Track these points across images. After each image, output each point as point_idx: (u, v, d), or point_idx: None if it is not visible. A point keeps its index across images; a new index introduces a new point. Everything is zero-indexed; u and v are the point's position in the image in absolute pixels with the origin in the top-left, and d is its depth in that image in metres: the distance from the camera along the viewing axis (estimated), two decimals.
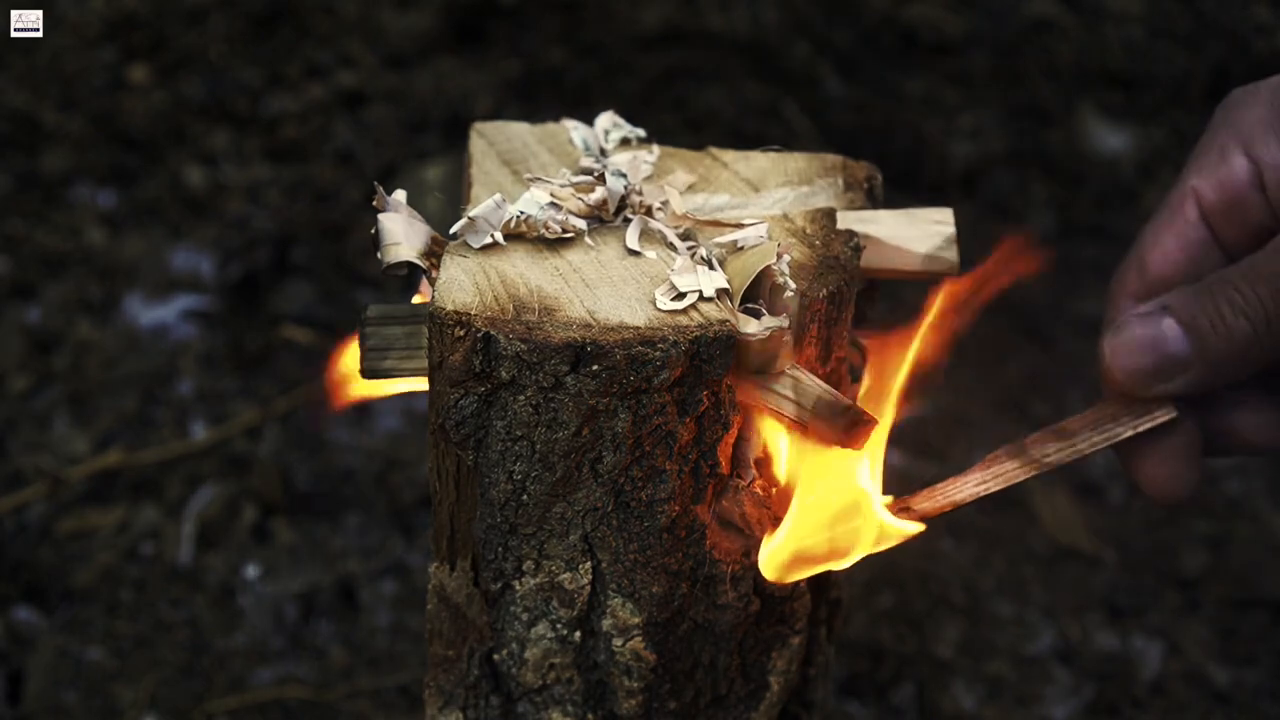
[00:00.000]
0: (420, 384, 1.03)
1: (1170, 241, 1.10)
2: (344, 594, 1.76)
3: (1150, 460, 1.08)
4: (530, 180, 1.06)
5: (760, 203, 1.09)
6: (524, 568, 1.01)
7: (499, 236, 1.01)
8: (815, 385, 0.96)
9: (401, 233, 1.03)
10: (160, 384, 2.04)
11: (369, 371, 1.02)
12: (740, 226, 1.03)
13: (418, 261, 1.02)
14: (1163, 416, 1.06)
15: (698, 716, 1.08)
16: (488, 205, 1.01)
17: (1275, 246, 1.02)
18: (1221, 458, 1.12)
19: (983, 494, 1.07)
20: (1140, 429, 1.06)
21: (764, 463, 1.02)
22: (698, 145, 1.16)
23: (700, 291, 0.96)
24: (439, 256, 1.01)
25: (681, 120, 2.56)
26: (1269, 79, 1.07)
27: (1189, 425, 1.08)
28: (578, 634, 1.03)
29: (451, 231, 1.01)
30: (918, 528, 1.04)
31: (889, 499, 1.05)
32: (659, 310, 0.95)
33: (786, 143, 1.18)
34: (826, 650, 1.16)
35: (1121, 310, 1.10)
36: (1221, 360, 1.02)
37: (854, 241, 1.04)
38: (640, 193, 1.05)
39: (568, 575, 1.01)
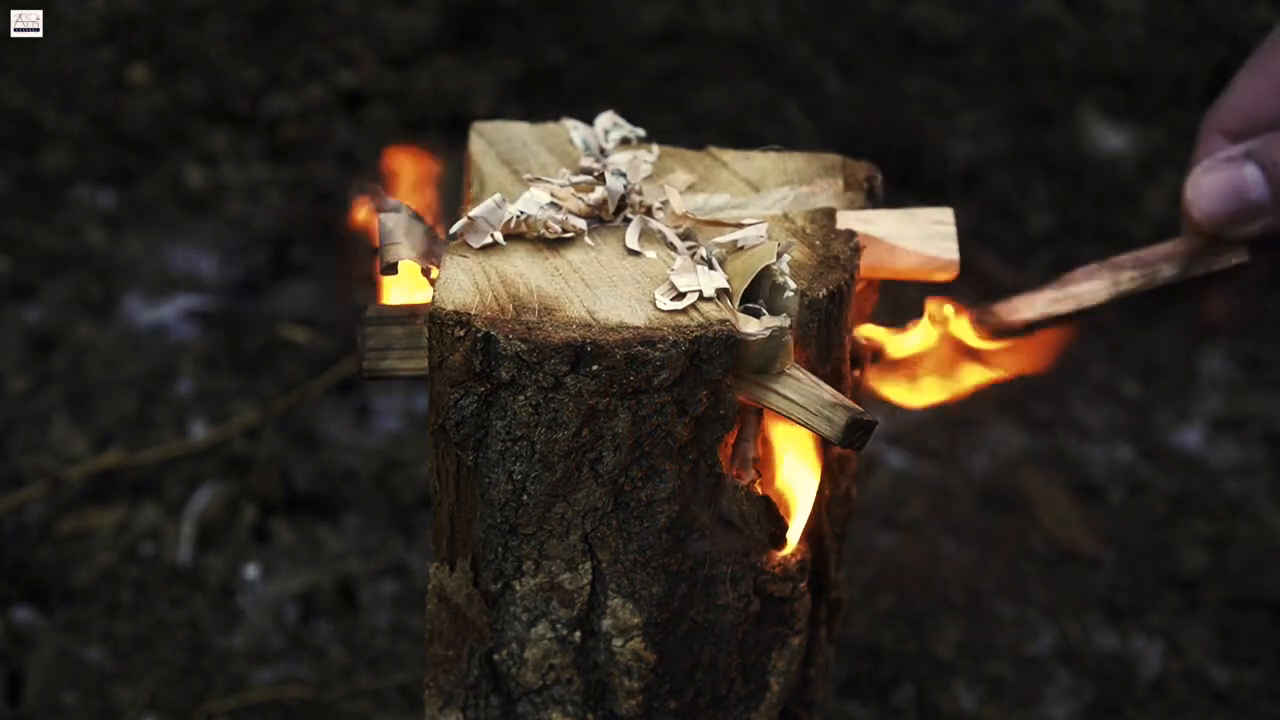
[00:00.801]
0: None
1: (1263, 81, 1.09)
2: (344, 594, 1.76)
3: (1213, 292, 1.11)
4: (530, 180, 1.06)
5: (760, 203, 1.09)
6: (524, 568, 1.01)
7: (499, 236, 1.01)
8: (815, 385, 0.96)
9: (402, 233, 1.03)
10: (160, 384, 2.04)
11: (369, 372, 1.03)
12: (740, 226, 1.03)
13: (417, 261, 1.02)
14: (1236, 259, 1.07)
15: (698, 717, 1.08)
16: (488, 205, 1.01)
17: None
18: None
19: (1056, 313, 1.07)
20: (1213, 269, 1.07)
21: (763, 463, 1.02)
22: (698, 145, 1.16)
23: (700, 291, 0.96)
24: (439, 256, 1.01)
25: (681, 120, 2.56)
26: None
27: (1258, 266, 1.09)
28: (578, 634, 1.03)
29: (451, 231, 1.01)
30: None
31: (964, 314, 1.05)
32: (659, 310, 0.95)
33: (786, 143, 1.18)
34: (826, 650, 1.16)
35: (1208, 150, 1.10)
36: None
37: (854, 241, 1.04)
38: (640, 193, 1.05)
39: (568, 575, 1.01)
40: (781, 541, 1.02)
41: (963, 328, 1.05)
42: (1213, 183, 1.05)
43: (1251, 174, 1.04)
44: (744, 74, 2.68)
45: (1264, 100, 1.09)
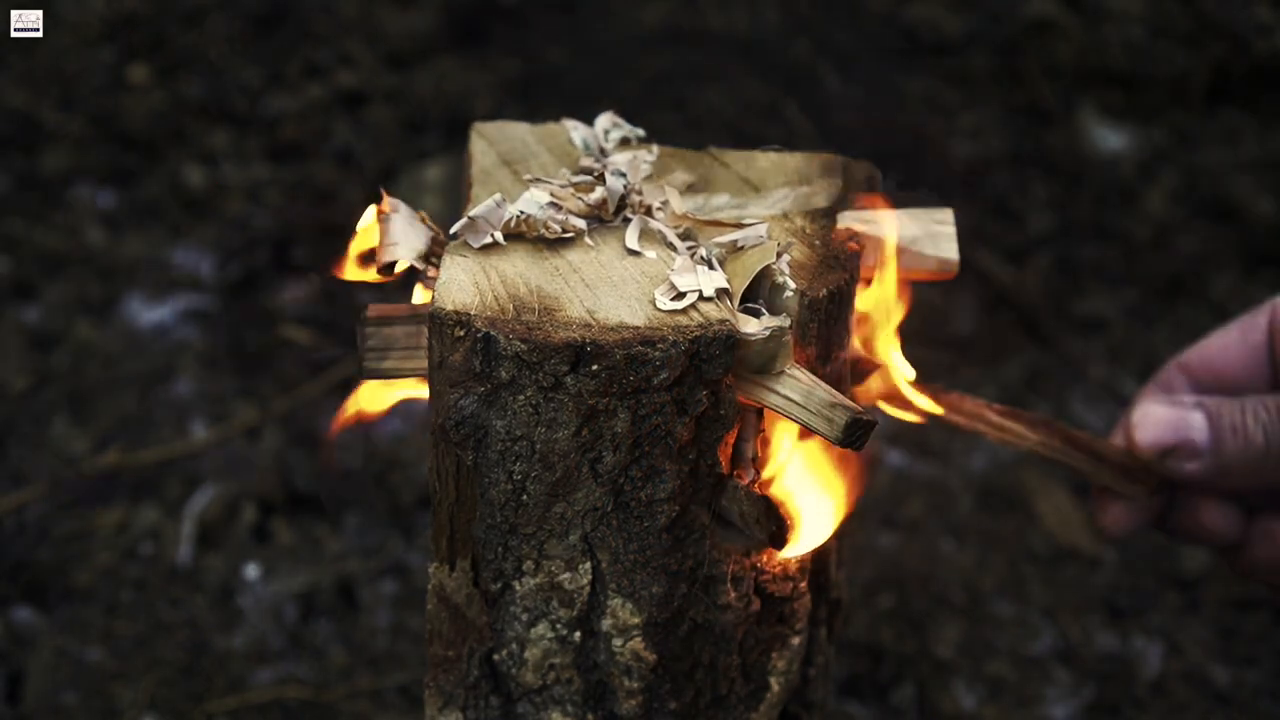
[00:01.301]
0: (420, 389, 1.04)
1: (1234, 340, 1.23)
2: (344, 594, 1.76)
3: (1116, 505, 1.23)
4: (530, 180, 1.06)
5: (760, 203, 1.09)
6: (524, 568, 1.01)
7: (499, 236, 1.01)
8: (815, 385, 0.96)
9: (400, 233, 1.03)
10: (160, 384, 2.04)
11: (369, 372, 1.03)
12: (740, 226, 1.03)
13: (414, 263, 1.02)
14: (1139, 495, 1.20)
15: (698, 717, 1.08)
16: (488, 205, 1.01)
17: None
18: (1170, 536, 1.27)
19: (980, 431, 1.17)
20: (1118, 488, 1.21)
21: (762, 462, 1.02)
22: (698, 145, 1.16)
23: (700, 291, 0.96)
24: (439, 257, 1.01)
25: (681, 120, 2.56)
26: None
27: (1158, 499, 1.22)
28: (578, 634, 1.03)
29: (451, 231, 1.02)
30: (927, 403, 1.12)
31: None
32: (659, 310, 0.95)
33: (786, 143, 1.18)
34: (826, 650, 1.16)
35: (1165, 383, 1.24)
36: (1232, 461, 1.15)
37: (854, 241, 1.04)
38: (640, 193, 1.05)
39: (568, 575, 1.01)
40: (782, 542, 1.02)
41: (910, 392, 1.13)
42: (1162, 415, 1.17)
43: (1197, 420, 1.16)
44: (744, 74, 2.68)
45: (1230, 358, 1.22)
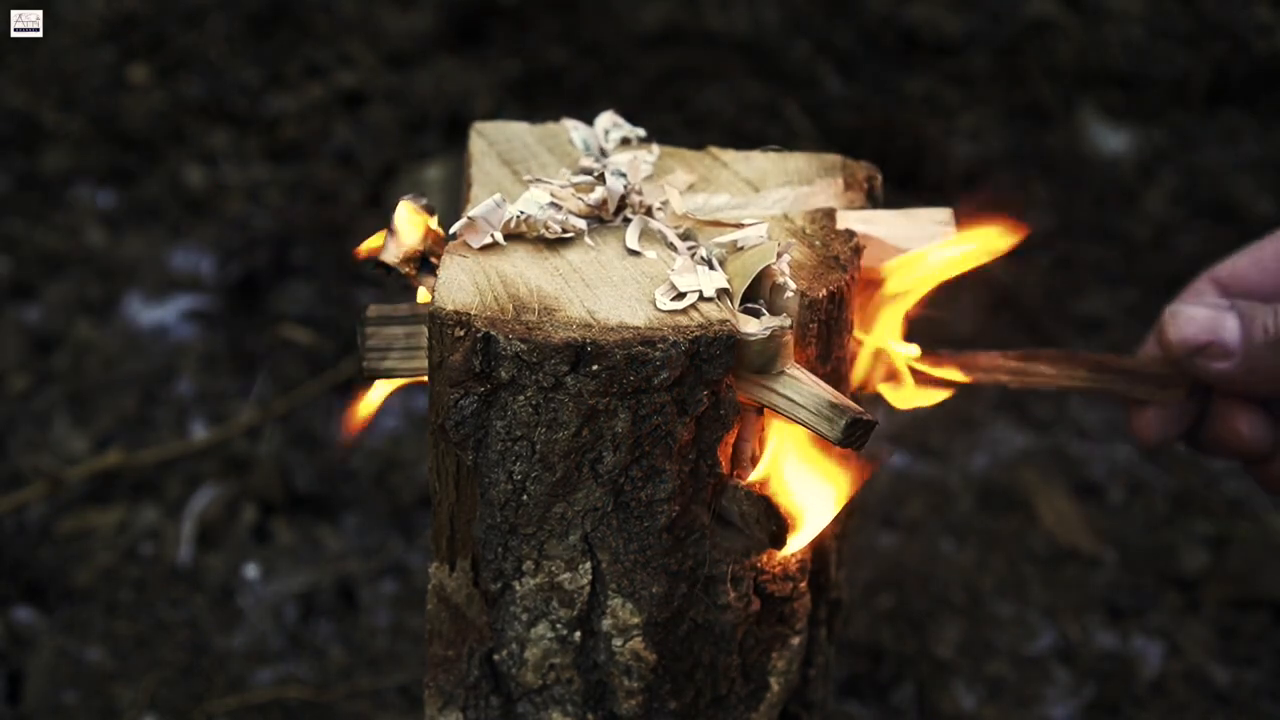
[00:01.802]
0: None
1: (1268, 254, 1.23)
2: (344, 594, 1.76)
3: (1148, 411, 1.23)
4: (530, 180, 1.06)
5: (760, 203, 1.09)
6: (524, 568, 1.01)
7: (499, 236, 1.01)
8: (815, 385, 0.96)
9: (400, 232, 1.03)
10: (160, 384, 2.04)
11: (369, 372, 1.03)
12: (740, 226, 1.03)
13: (396, 266, 1.02)
14: (1174, 399, 1.20)
15: (698, 717, 1.08)
16: (488, 205, 1.01)
17: None
18: (1200, 450, 1.27)
19: (1002, 382, 1.17)
20: (1153, 399, 1.20)
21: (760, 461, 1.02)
22: (698, 145, 1.16)
23: (700, 291, 0.96)
24: (438, 256, 1.01)
25: (681, 120, 2.56)
26: None
27: (1191, 405, 1.22)
28: (578, 634, 1.03)
29: (451, 231, 1.01)
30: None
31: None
32: (659, 310, 0.95)
33: (786, 143, 1.18)
34: (826, 650, 1.16)
35: (1196, 293, 1.24)
36: (1259, 363, 1.15)
37: (854, 241, 1.04)
38: (640, 193, 1.05)
39: (568, 575, 1.01)
40: (781, 541, 1.02)
41: (928, 367, 1.14)
42: (1195, 315, 1.17)
43: (1231, 321, 1.16)
44: (744, 74, 2.68)
45: (1262, 271, 1.22)
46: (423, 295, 1.05)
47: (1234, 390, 1.19)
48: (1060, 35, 2.76)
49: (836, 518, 1.04)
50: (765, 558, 1.04)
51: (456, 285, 0.96)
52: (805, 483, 1.02)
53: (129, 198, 2.38)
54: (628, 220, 1.04)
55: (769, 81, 2.67)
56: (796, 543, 1.02)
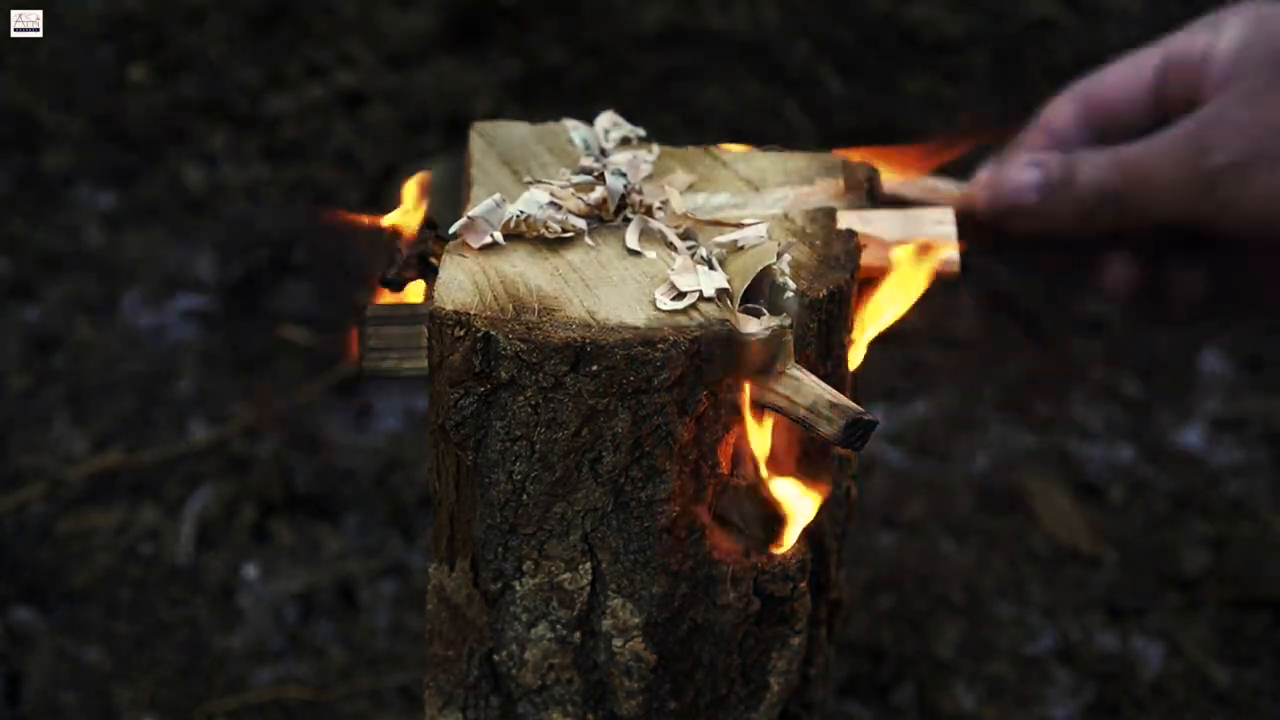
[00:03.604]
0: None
1: (1128, 73, 1.27)
2: (344, 594, 1.76)
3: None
4: (530, 180, 1.06)
5: (760, 203, 1.09)
6: (524, 568, 1.01)
7: (499, 236, 1.01)
8: (815, 385, 0.96)
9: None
10: (160, 384, 2.04)
11: (369, 372, 1.03)
12: (740, 226, 1.03)
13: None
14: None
15: (698, 717, 1.08)
16: (488, 205, 1.01)
17: (1147, 140, 1.18)
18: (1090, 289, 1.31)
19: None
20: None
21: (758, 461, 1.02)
22: (698, 145, 1.16)
23: (700, 291, 0.96)
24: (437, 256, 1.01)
25: (681, 120, 2.56)
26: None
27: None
28: (578, 634, 1.03)
29: (451, 231, 1.01)
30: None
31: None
32: (659, 310, 0.95)
33: (786, 143, 1.18)
34: (826, 651, 1.16)
35: (1030, 139, 1.30)
36: (1059, 217, 1.20)
37: (854, 241, 1.04)
38: (640, 192, 1.05)
39: (568, 575, 1.01)
40: (780, 540, 1.02)
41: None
42: (999, 177, 1.22)
43: (1032, 176, 1.21)
44: (744, 74, 2.68)
45: (1120, 90, 1.27)
46: (412, 293, 1.05)
47: (1056, 239, 1.23)
48: (1060, 35, 2.76)
49: (822, 508, 1.04)
50: (765, 558, 1.04)
51: (456, 285, 0.96)
52: (792, 477, 1.02)
53: (129, 198, 2.38)
54: (628, 220, 1.04)
55: (769, 81, 2.67)
56: (790, 537, 1.02)
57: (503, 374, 0.94)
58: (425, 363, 0.99)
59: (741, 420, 0.99)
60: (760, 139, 1.20)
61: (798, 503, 1.02)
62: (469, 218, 1.00)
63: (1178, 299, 1.29)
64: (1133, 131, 1.23)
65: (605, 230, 1.03)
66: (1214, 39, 1.21)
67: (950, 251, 1.09)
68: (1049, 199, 1.20)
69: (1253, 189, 1.16)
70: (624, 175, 1.04)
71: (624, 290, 0.97)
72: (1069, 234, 1.23)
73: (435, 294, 0.96)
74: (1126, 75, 1.26)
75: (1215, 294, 1.30)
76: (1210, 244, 1.26)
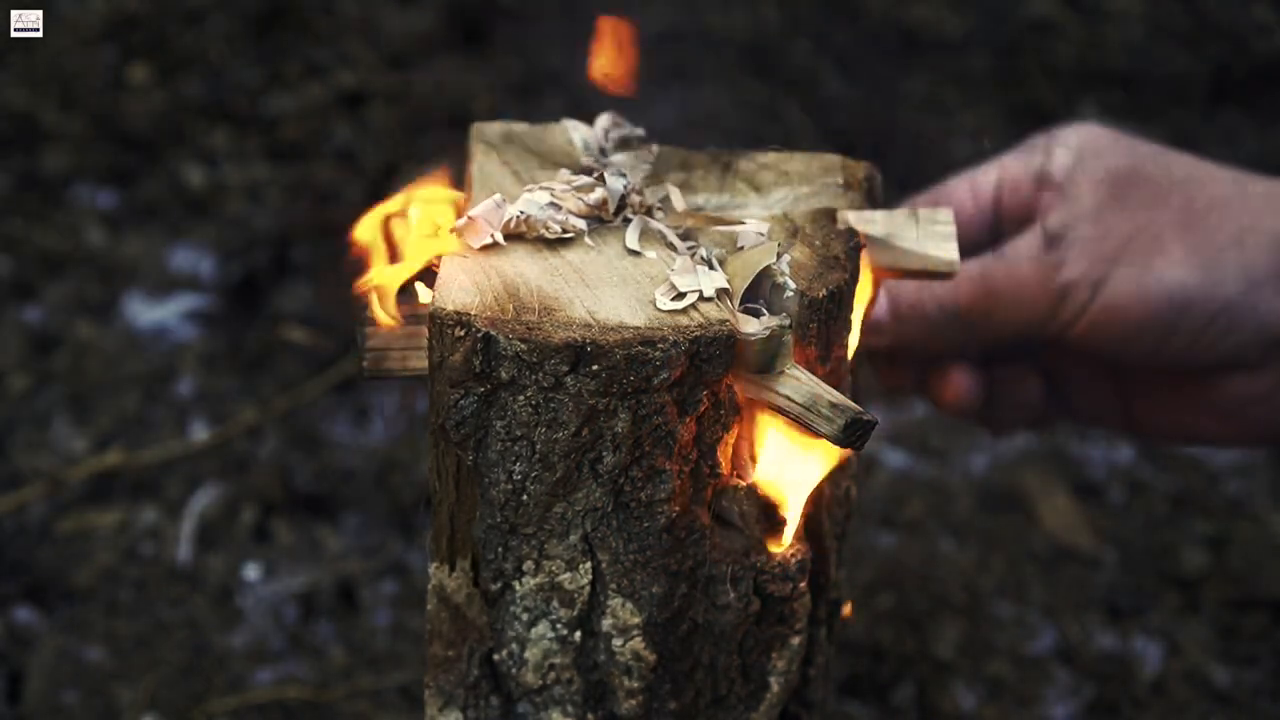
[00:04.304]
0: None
1: (965, 196, 1.32)
2: (344, 594, 1.76)
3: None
4: (530, 181, 1.06)
5: (760, 203, 1.09)
6: (524, 568, 1.01)
7: (499, 236, 1.01)
8: (815, 385, 0.96)
9: None
10: (160, 384, 2.04)
11: (369, 372, 1.03)
12: (740, 226, 1.03)
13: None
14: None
15: (698, 717, 1.08)
16: (488, 205, 1.01)
17: (992, 256, 1.24)
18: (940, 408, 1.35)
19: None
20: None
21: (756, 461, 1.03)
22: (698, 145, 1.16)
23: (700, 291, 0.96)
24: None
25: (681, 120, 2.56)
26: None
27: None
28: (578, 634, 1.03)
29: (451, 231, 1.02)
30: None
31: None
32: (659, 310, 0.95)
33: (786, 143, 1.19)
34: (826, 650, 1.16)
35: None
36: (908, 334, 1.25)
37: (854, 241, 1.04)
38: (640, 193, 1.06)
39: (568, 575, 1.01)
40: (779, 539, 1.02)
41: None
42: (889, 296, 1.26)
43: (881, 297, 1.22)
44: (744, 74, 2.68)
45: (960, 213, 1.29)
46: (422, 294, 1.06)
47: (912, 354, 1.28)
48: (1060, 35, 2.76)
49: (811, 500, 1.04)
50: (765, 558, 1.04)
51: (456, 285, 0.96)
52: (787, 471, 1.02)
53: (129, 198, 2.38)
54: (628, 221, 1.04)
55: (769, 81, 2.67)
56: (787, 534, 1.03)
57: (503, 374, 0.94)
58: (425, 363, 0.99)
59: (741, 420, 0.99)
60: (760, 139, 1.20)
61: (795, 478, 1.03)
62: (469, 218, 1.01)
63: (1010, 413, 1.34)
64: (970, 246, 1.26)
65: (605, 230, 1.03)
66: (1047, 160, 1.28)
67: (951, 251, 1.09)
68: (900, 319, 1.24)
69: (1100, 300, 1.22)
70: (624, 176, 1.04)
71: (624, 290, 0.97)
72: (917, 351, 1.27)
73: (435, 294, 0.96)
74: (963, 193, 1.32)
75: (1045, 409, 1.36)
76: (1044, 358, 1.32)
